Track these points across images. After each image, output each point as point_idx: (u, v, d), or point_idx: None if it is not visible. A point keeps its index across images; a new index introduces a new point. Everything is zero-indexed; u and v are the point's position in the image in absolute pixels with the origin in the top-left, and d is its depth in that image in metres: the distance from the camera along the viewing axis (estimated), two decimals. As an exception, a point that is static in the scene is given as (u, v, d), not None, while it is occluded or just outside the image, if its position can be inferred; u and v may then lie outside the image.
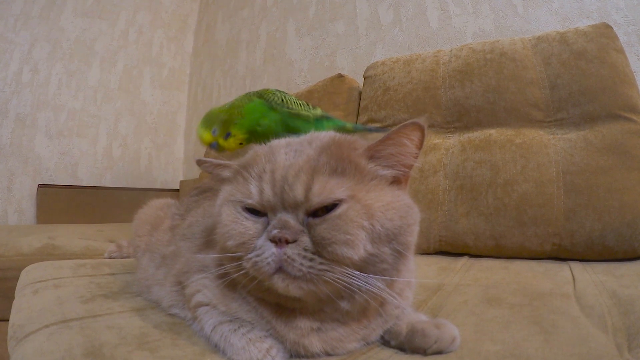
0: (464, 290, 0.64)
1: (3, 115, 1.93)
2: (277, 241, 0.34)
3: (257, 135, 0.87)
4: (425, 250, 0.97)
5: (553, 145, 0.93)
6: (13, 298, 0.62)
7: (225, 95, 2.35)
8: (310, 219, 0.35)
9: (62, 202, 2.00)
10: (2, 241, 1.12)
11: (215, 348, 0.40)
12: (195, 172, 2.33)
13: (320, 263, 0.34)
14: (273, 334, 0.39)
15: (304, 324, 0.38)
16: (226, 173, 0.43)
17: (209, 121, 0.85)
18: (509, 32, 1.31)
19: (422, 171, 1.04)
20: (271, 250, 0.34)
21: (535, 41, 1.04)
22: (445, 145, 1.07)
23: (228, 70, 2.36)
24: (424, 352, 0.40)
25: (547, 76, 0.98)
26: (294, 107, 0.88)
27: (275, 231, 0.34)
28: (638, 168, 0.85)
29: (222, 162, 0.43)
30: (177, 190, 2.34)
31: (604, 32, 0.96)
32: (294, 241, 0.34)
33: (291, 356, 0.39)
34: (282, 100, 0.87)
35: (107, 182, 2.23)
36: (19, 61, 1.99)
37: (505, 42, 1.07)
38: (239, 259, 0.37)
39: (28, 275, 0.69)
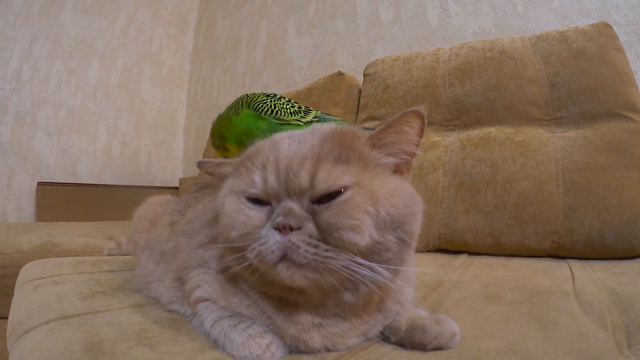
0: (463, 287, 0.64)
1: (3, 113, 1.93)
2: (281, 228, 0.34)
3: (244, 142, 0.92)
4: (424, 248, 0.97)
5: (552, 144, 0.93)
6: (12, 295, 0.62)
7: (225, 93, 2.35)
8: (315, 206, 0.35)
9: (61, 199, 2.00)
10: (1, 239, 1.12)
11: (215, 343, 0.40)
12: (195, 170, 2.32)
13: (326, 250, 0.33)
14: (273, 329, 0.39)
15: (305, 319, 0.38)
16: (228, 169, 0.43)
17: (212, 135, 0.94)
18: (509, 30, 1.31)
19: (422, 168, 1.04)
20: (275, 237, 0.34)
21: (535, 40, 1.04)
22: (445, 143, 1.07)
23: (228, 68, 2.36)
24: (424, 348, 0.40)
25: (546, 75, 0.98)
26: (284, 115, 0.89)
27: (280, 218, 0.34)
28: (637, 166, 0.85)
29: (222, 160, 0.43)
30: (177, 188, 2.34)
31: (604, 31, 0.96)
32: (299, 228, 0.34)
33: (291, 352, 0.39)
34: (273, 109, 0.89)
35: (106, 180, 2.23)
36: (19, 59, 1.98)
37: (505, 41, 1.07)
38: (242, 250, 0.36)
39: (27, 272, 0.69)
